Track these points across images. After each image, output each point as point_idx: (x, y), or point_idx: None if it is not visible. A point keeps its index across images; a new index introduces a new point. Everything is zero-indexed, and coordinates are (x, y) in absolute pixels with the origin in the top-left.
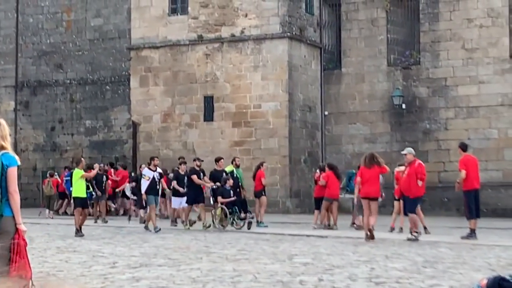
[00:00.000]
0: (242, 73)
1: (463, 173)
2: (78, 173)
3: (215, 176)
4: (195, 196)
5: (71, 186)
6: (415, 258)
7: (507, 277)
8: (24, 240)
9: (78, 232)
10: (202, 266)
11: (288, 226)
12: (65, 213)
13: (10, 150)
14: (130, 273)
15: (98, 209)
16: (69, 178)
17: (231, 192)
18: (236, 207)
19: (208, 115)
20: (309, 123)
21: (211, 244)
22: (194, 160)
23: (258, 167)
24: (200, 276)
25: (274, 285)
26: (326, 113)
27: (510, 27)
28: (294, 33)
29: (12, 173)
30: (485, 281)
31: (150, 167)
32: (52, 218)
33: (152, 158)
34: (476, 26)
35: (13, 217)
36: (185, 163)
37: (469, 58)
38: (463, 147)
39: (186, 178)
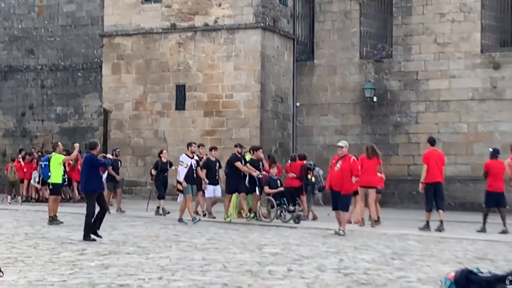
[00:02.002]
0: (214, 63)
1: (424, 167)
2: (57, 158)
3: (253, 165)
4: (237, 185)
5: (49, 171)
6: (383, 250)
7: (475, 270)
8: None
9: (54, 220)
10: (171, 255)
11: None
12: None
13: None
14: (99, 260)
15: (111, 197)
16: (47, 163)
17: (279, 182)
18: (285, 199)
19: (180, 104)
20: (280, 114)
21: (180, 233)
22: (236, 146)
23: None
24: (169, 264)
25: (243, 274)
26: (298, 104)
27: (482, 22)
28: (267, 23)
29: None
30: (452, 274)
31: (187, 153)
32: (21, 204)
33: (189, 144)
34: (448, 21)
35: None
36: (215, 148)
37: (440, 52)
38: (431, 141)
39: (218, 165)
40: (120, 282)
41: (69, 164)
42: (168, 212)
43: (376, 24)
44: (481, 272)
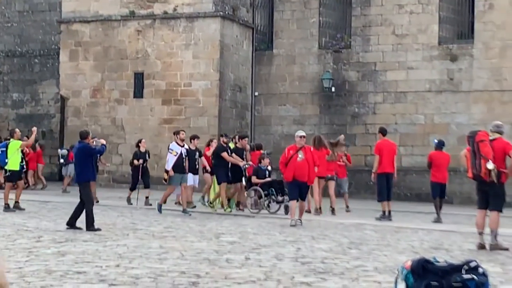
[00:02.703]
0: (173, 51)
1: (376, 157)
2: (14, 144)
3: (237, 154)
4: (226, 174)
5: (6, 157)
6: (340, 240)
7: (431, 259)
8: None
9: (8, 208)
10: (129, 243)
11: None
12: None
13: None
14: (56, 247)
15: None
16: (4, 149)
17: (267, 172)
18: (273, 189)
19: (138, 92)
20: (239, 103)
21: (137, 221)
22: (221, 136)
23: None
24: (127, 252)
25: (200, 262)
26: (257, 93)
27: (439, 14)
28: (226, 12)
29: None
30: (409, 263)
31: (177, 141)
32: None
33: (177, 132)
34: (406, 12)
35: None
36: (197, 137)
37: (398, 43)
38: (383, 132)
39: (198, 154)
40: (77, 269)
41: (27, 154)
42: (151, 204)
43: (335, 15)
44: (438, 262)
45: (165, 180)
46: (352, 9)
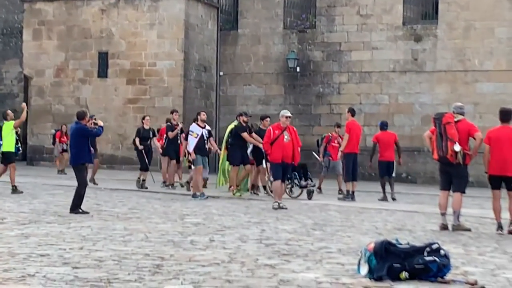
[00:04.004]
0: (138, 30)
1: (346, 136)
2: (8, 125)
3: (260, 135)
4: (242, 156)
5: (0, 139)
6: (304, 221)
7: (394, 242)
8: None
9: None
10: (93, 224)
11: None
12: None
13: None
14: (19, 229)
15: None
16: None
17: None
18: (296, 173)
19: (102, 72)
20: (204, 83)
21: (102, 202)
22: (241, 115)
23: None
24: (91, 234)
25: (165, 244)
26: (221, 73)
27: None
28: None
29: None
30: (372, 245)
31: (198, 122)
32: None
33: (198, 113)
34: None
35: None
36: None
37: (363, 24)
38: (352, 112)
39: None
40: (40, 252)
41: None
42: (147, 187)
43: None
44: (400, 244)
45: (189, 163)
46: None
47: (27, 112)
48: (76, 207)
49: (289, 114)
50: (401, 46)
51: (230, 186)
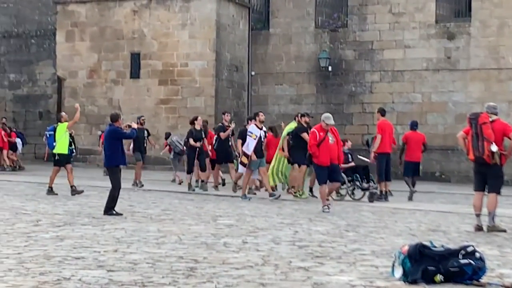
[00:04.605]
0: (169, 31)
1: (378, 136)
2: (62, 127)
3: (244, 136)
4: (302, 157)
5: (54, 141)
6: (338, 222)
7: (428, 244)
8: None
9: (51, 191)
10: (127, 226)
11: (210, 185)
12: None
13: None
14: (54, 231)
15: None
16: (52, 132)
17: (350, 156)
18: (357, 175)
19: (135, 72)
20: (235, 83)
21: (135, 203)
22: (302, 115)
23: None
24: (124, 236)
25: (198, 246)
26: (253, 73)
27: None
28: None
29: None
30: (406, 248)
31: (256, 123)
32: None
33: (256, 114)
34: None
35: None
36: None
37: (395, 22)
38: (382, 112)
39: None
40: (75, 254)
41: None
42: (206, 189)
43: None
44: (434, 246)
45: (244, 164)
46: None
47: (80, 113)
48: (110, 209)
49: (331, 122)
50: (434, 44)
51: (291, 187)
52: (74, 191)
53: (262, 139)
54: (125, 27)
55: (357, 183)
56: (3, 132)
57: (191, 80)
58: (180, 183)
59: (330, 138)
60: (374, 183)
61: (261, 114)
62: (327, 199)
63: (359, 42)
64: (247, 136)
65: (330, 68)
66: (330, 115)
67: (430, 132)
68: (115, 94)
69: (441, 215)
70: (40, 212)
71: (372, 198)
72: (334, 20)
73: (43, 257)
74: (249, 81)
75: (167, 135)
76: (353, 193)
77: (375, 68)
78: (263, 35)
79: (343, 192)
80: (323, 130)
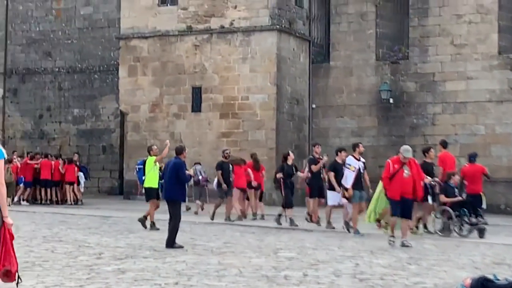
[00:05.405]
0: (230, 65)
1: (440, 169)
2: (150, 160)
3: (425, 169)
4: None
5: (144, 175)
6: (399, 254)
7: (491, 277)
8: (10, 233)
9: (154, 225)
10: (188, 259)
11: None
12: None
13: None
14: (116, 264)
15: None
16: (141, 166)
17: (456, 190)
18: (465, 209)
19: (196, 106)
20: (296, 115)
21: (196, 236)
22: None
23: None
24: (185, 269)
25: (259, 279)
26: (314, 106)
27: (499, 23)
28: (283, 25)
29: None
30: (469, 281)
31: (355, 155)
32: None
33: (356, 145)
34: (465, 22)
35: None
36: (344, 150)
37: (457, 53)
38: (444, 144)
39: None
40: (136, 287)
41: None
42: (297, 225)
43: (392, 26)
44: (498, 279)
45: (346, 198)
46: (410, 19)
47: (169, 148)
48: (171, 242)
49: (409, 155)
50: (496, 76)
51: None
52: (152, 227)
53: (362, 171)
54: (187, 62)
55: (465, 218)
56: (76, 168)
57: (252, 113)
58: (196, 213)
59: (406, 171)
60: (482, 217)
61: (361, 145)
62: (405, 234)
63: (421, 74)
64: (345, 169)
65: (391, 100)
66: (409, 148)
67: (494, 164)
68: (176, 128)
69: (507, 248)
70: (103, 245)
71: (482, 233)
72: (395, 52)
73: None
74: (310, 114)
75: (195, 164)
76: (460, 229)
77: (437, 100)
78: (324, 68)
79: (450, 227)
80: (399, 162)
